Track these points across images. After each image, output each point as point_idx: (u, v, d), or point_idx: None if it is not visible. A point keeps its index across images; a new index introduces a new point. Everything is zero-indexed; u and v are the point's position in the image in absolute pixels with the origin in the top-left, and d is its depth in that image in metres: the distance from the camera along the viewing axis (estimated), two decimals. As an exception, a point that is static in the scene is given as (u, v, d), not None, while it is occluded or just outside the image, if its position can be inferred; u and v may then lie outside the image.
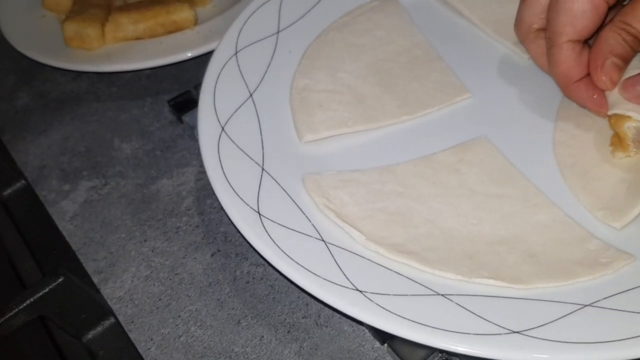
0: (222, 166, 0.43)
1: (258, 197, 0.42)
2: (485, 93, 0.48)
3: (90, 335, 0.38)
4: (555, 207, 0.41)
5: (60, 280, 0.35)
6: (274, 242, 0.39)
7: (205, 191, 0.49)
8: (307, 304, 0.42)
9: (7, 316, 0.35)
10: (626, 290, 0.36)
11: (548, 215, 0.41)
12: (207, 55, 0.53)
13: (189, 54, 0.55)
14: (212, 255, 0.45)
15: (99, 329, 0.38)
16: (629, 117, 0.41)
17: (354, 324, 0.41)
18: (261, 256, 0.39)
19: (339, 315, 0.41)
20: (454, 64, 0.50)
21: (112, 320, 0.39)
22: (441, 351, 0.38)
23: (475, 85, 0.49)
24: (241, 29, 0.52)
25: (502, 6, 0.53)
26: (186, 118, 0.53)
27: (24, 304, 0.34)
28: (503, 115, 0.47)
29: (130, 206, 0.49)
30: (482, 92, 0.48)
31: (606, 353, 0.33)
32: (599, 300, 0.36)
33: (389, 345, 0.39)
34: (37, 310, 0.35)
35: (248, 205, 0.41)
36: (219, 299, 0.43)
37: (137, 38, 0.58)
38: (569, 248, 0.39)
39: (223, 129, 0.46)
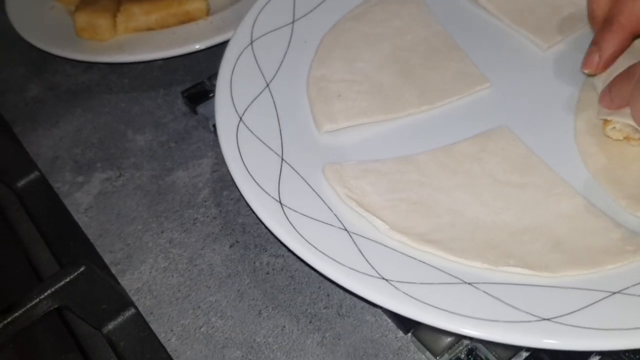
0: (241, 157, 0.43)
1: (279, 187, 0.41)
2: (504, 82, 0.48)
3: (111, 325, 0.37)
4: (579, 196, 0.41)
5: (81, 269, 0.34)
6: (297, 231, 0.38)
7: (221, 183, 0.48)
8: (328, 295, 0.42)
9: (27, 306, 0.34)
10: (655, 278, 0.36)
11: (572, 205, 0.41)
12: (220, 46, 0.53)
13: (202, 45, 0.55)
14: (230, 246, 0.45)
15: (120, 319, 0.38)
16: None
17: (377, 313, 0.40)
18: (285, 246, 0.38)
19: (361, 306, 0.41)
20: (472, 54, 0.50)
21: (133, 310, 0.38)
22: (467, 339, 0.38)
23: (494, 75, 0.48)
24: (256, 18, 0.51)
25: (520, -5, 0.52)
26: (200, 109, 0.53)
27: (46, 293, 0.33)
28: (523, 104, 0.47)
29: (146, 198, 0.48)
30: (501, 82, 0.48)
31: (635, 339, 0.33)
32: (627, 288, 0.35)
33: (413, 335, 0.39)
34: (58, 300, 0.34)
35: (269, 195, 0.40)
36: (239, 290, 0.42)
37: (149, 29, 0.57)
38: (594, 237, 0.39)
39: (241, 119, 0.45)
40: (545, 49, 0.50)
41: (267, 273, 0.43)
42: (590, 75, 0.46)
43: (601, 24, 0.44)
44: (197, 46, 0.55)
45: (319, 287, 0.42)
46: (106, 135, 0.53)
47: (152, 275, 0.44)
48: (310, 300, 0.41)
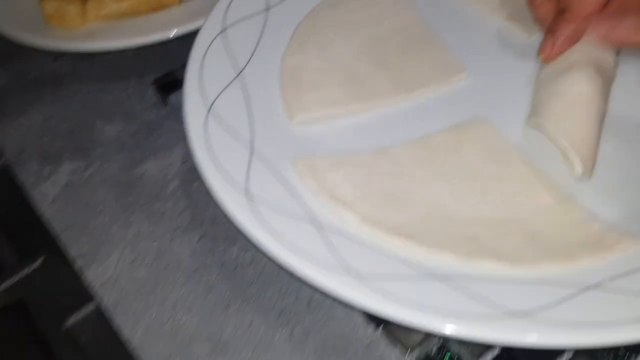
0: (209, 148, 0.41)
1: (247, 179, 0.40)
2: (483, 72, 0.47)
3: (72, 320, 0.36)
4: (557, 189, 0.40)
5: (40, 261, 0.33)
6: (263, 226, 0.37)
7: (191, 174, 0.47)
8: (298, 288, 0.40)
9: (-19, 301, 0.33)
10: (630, 272, 0.35)
11: (549, 197, 0.40)
12: (194, 34, 0.51)
13: (174, 32, 0.53)
14: (199, 239, 0.43)
15: (82, 313, 0.36)
16: None
17: (347, 308, 0.39)
18: (251, 241, 0.37)
19: (331, 299, 0.40)
20: (451, 43, 0.49)
21: (95, 304, 0.37)
22: (438, 335, 0.37)
23: (473, 64, 0.47)
24: (229, 5, 0.50)
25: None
26: (171, 99, 0.51)
27: (2, 287, 0.32)
28: (502, 95, 0.46)
29: (114, 189, 0.47)
30: (480, 71, 0.47)
31: (610, 335, 0.32)
32: (603, 282, 0.35)
33: (384, 329, 0.38)
34: (16, 294, 0.33)
35: (236, 188, 0.39)
36: (206, 284, 0.41)
37: (121, 16, 0.56)
38: (571, 229, 0.38)
39: (210, 109, 0.44)
40: (526, 38, 0.49)
41: (236, 267, 0.42)
42: (545, 63, 0.45)
43: (555, 14, 0.44)
44: (170, 34, 0.53)
45: (289, 281, 0.41)
46: (75, 125, 0.52)
47: (118, 269, 0.42)
48: (279, 294, 0.40)
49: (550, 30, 0.44)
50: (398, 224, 0.38)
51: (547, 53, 0.44)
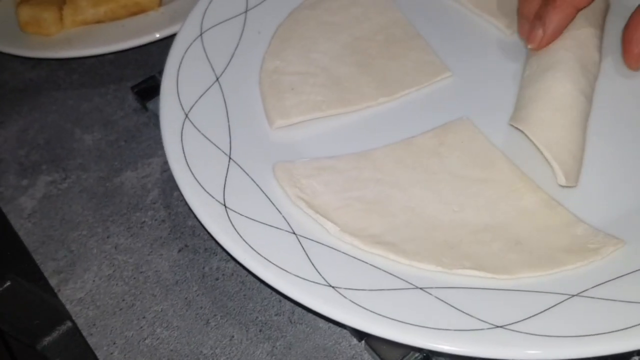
0: (185, 156, 0.40)
1: (224, 188, 0.39)
2: (466, 71, 0.46)
3: (46, 341, 0.35)
4: (540, 191, 0.39)
5: (7, 284, 0.32)
6: (240, 236, 0.36)
7: (171, 183, 0.46)
8: (280, 301, 0.39)
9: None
10: (616, 278, 0.34)
11: (533, 200, 0.39)
12: (173, 39, 0.50)
13: (153, 37, 0.52)
14: (179, 251, 0.43)
15: (55, 334, 0.35)
16: None
17: (330, 320, 0.38)
18: (227, 253, 0.36)
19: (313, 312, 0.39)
20: (434, 42, 0.47)
21: (69, 324, 0.36)
22: (420, 349, 0.36)
23: (456, 64, 0.46)
24: (207, 8, 0.49)
25: (483, -21, 0.50)
26: (151, 105, 0.50)
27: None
28: (485, 94, 0.45)
29: (92, 201, 0.46)
30: (463, 71, 0.46)
31: (595, 346, 0.31)
32: (587, 290, 0.34)
33: (367, 343, 0.37)
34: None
35: (213, 197, 0.38)
36: (186, 298, 0.40)
37: (98, 21, 0.54)
38: (555, 234, 0.37)
39: (187, 115, 0.43)
40: (509, 35, 0.47)
41: (217, 279, 0.41)
42: (533, 51, 0.44)
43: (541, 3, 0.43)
44: (148, 38, 0.52)
45: (271, 293, 0.40)
46: (53, 135, 0.51)
47: (95, 284, 0.41)
48: (261, 307, 0.39)
49: (538, 17, 0.43)
50: (379, 233, 0.37)
51: (536, 42, 0.43)
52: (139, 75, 0.54)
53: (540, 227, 0.37)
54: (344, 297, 0.33)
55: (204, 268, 0.41)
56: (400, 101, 0.45)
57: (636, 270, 0.34)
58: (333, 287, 0.34)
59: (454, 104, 0.44)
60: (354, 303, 0.33)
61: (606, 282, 0.34)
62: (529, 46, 0.43)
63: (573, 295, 0.33)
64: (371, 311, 0.32)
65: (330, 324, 0.38)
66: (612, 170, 0.40)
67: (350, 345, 0.37)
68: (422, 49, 0.47)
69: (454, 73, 0.46)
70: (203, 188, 0.38)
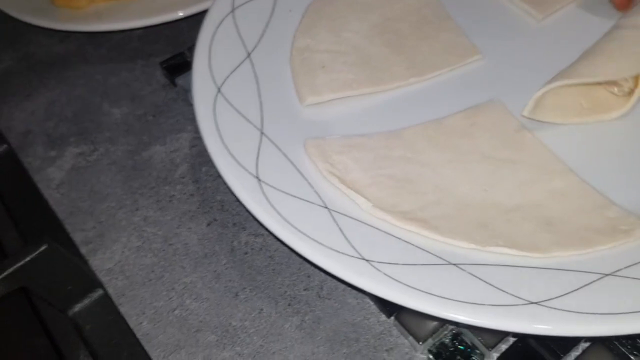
0: (218, 130, 0.40)
1: (257, 162, 0.39)
2: (497, 54, 0.46)
3: (77, 308, 0.35)
4: (572, 173, 0.39)
5: (43, 248, 0.32)
6: (274, 209, 0.36)
7: (200, 158, 0.46)
8: (308, 276, 0.40)
9: (-15, 287, 0.32)
10: (649, 259, 0.34)
11: (565, 182, 0.39)
12: (203, 15, 0.50)
13: (182, 13, 0.52)
14: (208, 224, 0.43)
15: (86, 301, 0.36)
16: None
17: (359, 296, 0.38)
18: (261, 224, 0.36)
19: (342, 287, 0.39)
20: (465, 24, 0.47)
21: (101, 292, 0.36)
22: (452, 323, 0.36)
23: (486, 47, 0.46)
24: (238, -15, 0.49)
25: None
26: (180, 81, 0.50)
27: (4, 274, 0.31)
28: (516, 77, 0.44)
29: (121, 174, 0.46)
30: (494, 53, 0.46)
31: (627, 324, 0.31)
32: (620, 270, 0.34)
33: (396, 319, 0.37)
34: (18, 281, 0.32)
35: (247, 170, 0.38)
36: (215, 271, 0.40)
37: (128, -3, 0.55)
38: (587, 215, 0.37)
39: (219, 90, 0.43)
40: (539, 20, 0.47)
41: (246, 253, 0.41)
42: (619, 10, 0.45)
43: None
44: (177, 15, 0.52)
45: (299, 268, 0.40)
46: (81, 108, 0.51)
47: (124, 255, 0.42)
48: (289, 282, 0.40)
49: None
50: (410, 210, 0.37)
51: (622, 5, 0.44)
52: (168, 51, 0.54)
53: (572, 208, 0.37)
54: (379, 270, 0.33)
55: (232, 242, 0.42)
56: (431, 82, 0.45)
57: (671, 251, 0.34)
58: (367, 260, 0.34)
59: (485, 86, 0.44)
60: (388, 276, 0.33)
61: (639, 262, 0.34)
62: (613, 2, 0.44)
63: (607, 275, 0.33)
64: (406, 285, 0.32)
65: (359, 300, 0.38)
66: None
67: (378, 322, 0.38)
68: (454, 31, 0.47)
69: (484, 56, 0.45)
70: (237, 161, 0.39)
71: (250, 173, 0.38)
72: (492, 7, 0.49)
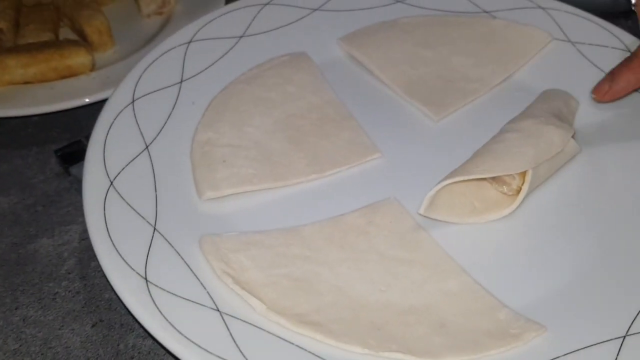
0: (107, 224, 0.39)
1: (147, 260, 0.37)
2: (395, 153, 0.47)
3: None
4: (465, 274, 0.39)
5: None
6: (160, 312, 0.34)
7: (90, 252, 0.44)
8: (199, 382, 0.37)
9: None
10: (537, 366, 0.34)
11: (458, 282, 0.39)
12: (103, 104, 0.49)
13: (83, 101, 0.51)
14: (93, 325, 0.40)
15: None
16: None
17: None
18: (144, 329, 0.34)
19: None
20: (365, 123, 0.48)
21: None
22: None
23: (385, 145, 0.47)
24: (141, 75, 0.48)
25: (414, 67, 0.52)
26: (74, 170, 0.49)
27: None
28: (413, 176, 0.46)
29: (2, 268, 0.43)
30: (392, 153, 0.47)
31: None
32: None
33: None
34: None
35: (133, 269, 0.36)
36: (97, 378, 0.38)
37: (26, 82, 0.53)
38: (479, 317, 0.37)
39: (112, 183, 0.41)
40: (436, 121, 0.49)
41: (132, 357, 0.39)
42: (597, 101, 0.47)
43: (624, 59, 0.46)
44: (76, 102, 0.51)
45: (189, 374, 0.38)
46: (-36, 196, 0.48)
47: (-3, 360, 0.38)
48: (178, 389, 0.37)
49: (612, 74, 0.46)
50: (305, 312, 0.37)
51: (601, 94, 0.46)
52: (64, 138, 0.52)
53: (464, 310, 0.38)
54: (267, 380, 0.32)
55: (118, 345, 0.39)
56: (330, 179, 0.45)
57: (557, 357, 0.35)
58: (256, 369, 0.32)
59: (384, 184, 0.45)
60: (277, 387, 0.32)
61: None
62: (593, 96, 0.47)
63: (496, 383, 0.33)
64: (295, 396, 0.31)
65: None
66: (534, 254, 0.41)
67: None
68: (354, 130, 0.48)
69: (384, 154, 0.47)
70: (123, 259, 0.37)
71: (137, 272, 0.36)
72: (392, 107, 0.51)
